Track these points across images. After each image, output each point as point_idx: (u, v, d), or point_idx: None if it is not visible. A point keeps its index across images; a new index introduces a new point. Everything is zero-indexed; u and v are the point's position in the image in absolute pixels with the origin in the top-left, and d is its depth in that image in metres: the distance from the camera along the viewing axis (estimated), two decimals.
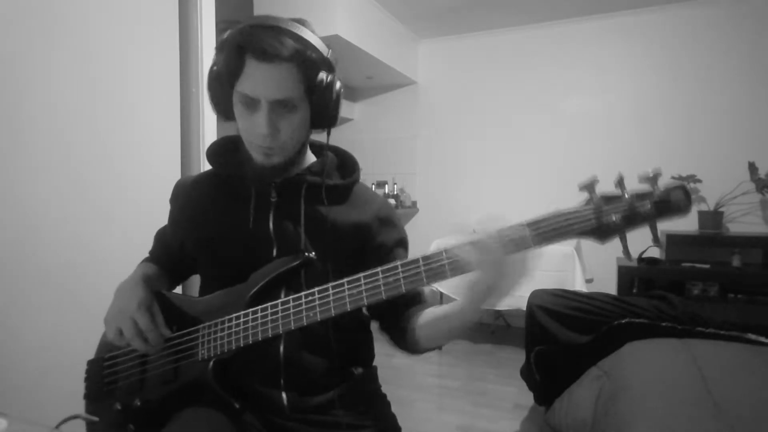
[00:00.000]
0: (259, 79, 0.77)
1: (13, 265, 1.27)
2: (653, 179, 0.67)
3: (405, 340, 0.90)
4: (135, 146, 1.57)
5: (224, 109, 0.86)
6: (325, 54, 0.82)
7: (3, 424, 0.72)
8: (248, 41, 0.77)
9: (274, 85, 0.78)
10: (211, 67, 0.84)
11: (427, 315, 0.88)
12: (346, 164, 0.98)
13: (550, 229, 0.68)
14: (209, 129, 1.83)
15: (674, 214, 0.66)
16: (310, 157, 0.96)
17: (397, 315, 0.91)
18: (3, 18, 1.24)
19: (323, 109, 0.85)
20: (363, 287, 0.74)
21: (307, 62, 0.79)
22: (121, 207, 1.53)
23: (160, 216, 1.07)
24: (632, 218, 0.67)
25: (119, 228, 1.51)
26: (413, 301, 0.91)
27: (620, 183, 0.68)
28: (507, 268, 0.69)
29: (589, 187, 0.69)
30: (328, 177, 0.93)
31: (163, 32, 1.66)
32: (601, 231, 0.68)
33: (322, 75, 0.82)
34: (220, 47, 0.82)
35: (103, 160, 1.48)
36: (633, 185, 0.68)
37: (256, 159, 0.85)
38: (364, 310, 0.97)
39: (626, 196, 0.67)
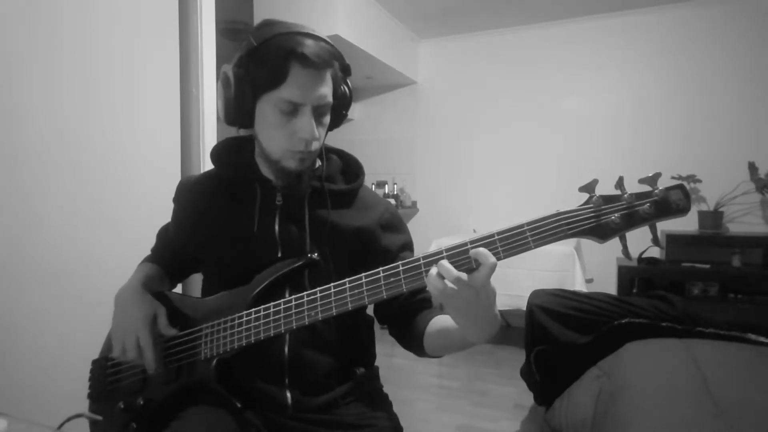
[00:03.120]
0: (305, 85, 0.78)
1: (14, 265, 1.27)
2: (653, 179, 0.67)
3: (413, 345, 0.90)
4: (135, 146, 1.57)
5: (246, 118, 0.84)
6: (346, 61, 0.86)
7: (3, 424, 0.72)
8: (296, 48, 0.76)
9: (319, 90, 0.80)
10: (237, 75, 0.80)
11: (436, 324, 0.86)
12: (351, 168, 0.99)
13: (549, 230, 0.68)
14: (209, 129, 1.82)
15: (673, 214, 0.67)
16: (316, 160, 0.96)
17: (407, 320, 0.91)
18: (3, 18, 1.24)
19: (340, 114, 0.89)
20: (365, 287, 0.74)
21: (338, 69, 0.84)
22: (122, 207, 1.53)
23: (161, 216, 1.07)
24: (632, 218, 0.68)
25: (119, 228, 1.51)
26: (422, 306, 0.91)
27: (620, 183, 0.69)
28: (471, 297, 0.66)
29: (589, 187, 0.69)
30: (333, 181, 0.94)
31: (163, 33, 1.66)
32: (600, 230, 0.68)
33: (346, 82, 0.87)
34: (251, 55, 0.79)
35: (103, 160, 1.48)
36: (633, 184, 0.68)
37: (288, 166, 0.84)
38: (371, 312, 0.97)
39: (626, 196, 0.68)
